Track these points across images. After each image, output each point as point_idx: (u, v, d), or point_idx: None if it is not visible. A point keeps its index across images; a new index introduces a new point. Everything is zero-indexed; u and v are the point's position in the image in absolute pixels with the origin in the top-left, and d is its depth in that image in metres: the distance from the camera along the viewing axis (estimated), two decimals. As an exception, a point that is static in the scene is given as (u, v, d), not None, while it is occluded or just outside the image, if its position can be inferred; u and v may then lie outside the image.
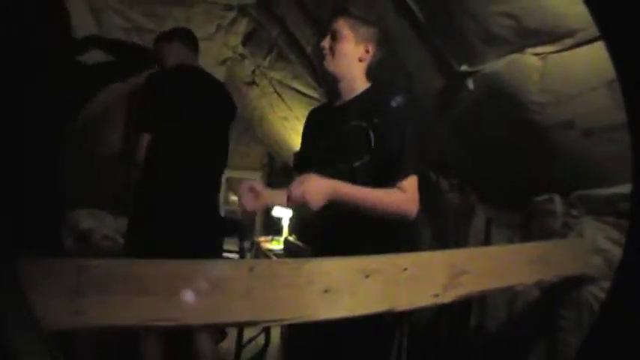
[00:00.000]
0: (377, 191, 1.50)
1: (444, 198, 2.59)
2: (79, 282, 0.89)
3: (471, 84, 1.92)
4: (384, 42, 1.72)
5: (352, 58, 1.64)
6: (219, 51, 3.70)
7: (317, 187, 1.37)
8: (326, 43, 1.64)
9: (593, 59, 1.51)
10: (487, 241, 2.37)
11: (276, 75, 3.59)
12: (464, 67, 1.91)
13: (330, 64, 1.65)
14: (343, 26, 1.62)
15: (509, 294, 2.18)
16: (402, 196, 1.52)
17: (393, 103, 1.59)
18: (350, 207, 1.45)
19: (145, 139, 2.28)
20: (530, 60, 1.66)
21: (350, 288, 1.01)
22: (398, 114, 1.58)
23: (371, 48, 1.65)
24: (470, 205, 2.50)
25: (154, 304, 0.87)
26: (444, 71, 2.02)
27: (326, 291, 0.96)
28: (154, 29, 3.16)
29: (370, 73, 1.71)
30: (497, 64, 1.73)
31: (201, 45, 2.65)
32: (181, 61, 2.44)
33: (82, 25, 2.82)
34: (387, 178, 1.53)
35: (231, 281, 0.89)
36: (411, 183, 1.54)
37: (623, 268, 0.72)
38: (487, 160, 2.16)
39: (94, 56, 2.88)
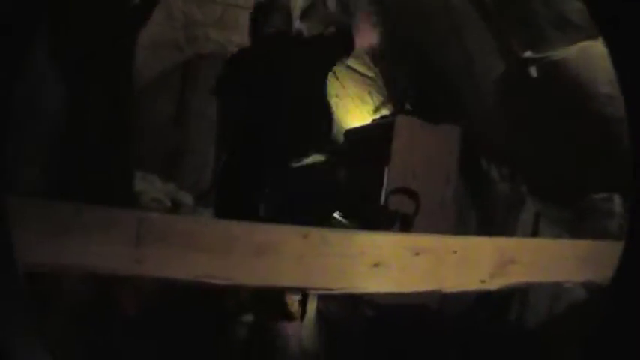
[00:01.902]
0: None
1: (494, 187, 2.54)
2: (139, 232, 0.93)
3: (534, 71, 1.85)
4: None
5: None
6: (275, 25, 3.70)
7: None
8: None
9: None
10: (534, 236, 2.32)
11: (331, 51, 3.55)
12: (528, 54, 1.84)
13: None
14: None
15: (553, 291, 2.13)
16: None
17: None
18: None
19: None
20: (602, 48, 1.58)
21: (399, 264, 1.01)
22: None
23: None
24: (520, 196, 2.43)
25: (210, 260, 0.90)
26: (507, 56, 1.96)
27: (376, 264, 0.97)
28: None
29: None
30: (566, 51, 1.66)
31: (257, 19, 2.66)
32: None
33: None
34: None
35: (285, 245, 0.90)
36: None
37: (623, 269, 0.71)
38: (546, 152, 2.09)
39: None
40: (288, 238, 0.90)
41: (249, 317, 2.53)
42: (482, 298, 2.48)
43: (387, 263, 0.98)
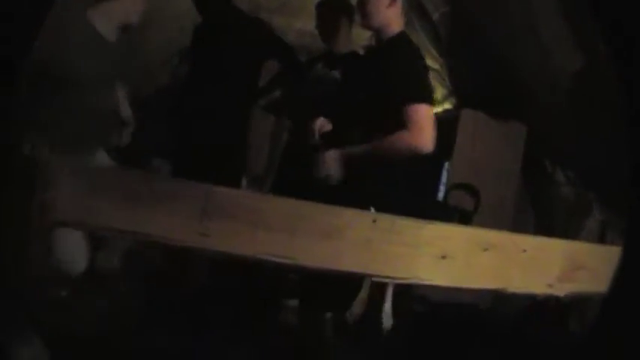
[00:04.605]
0: (384, 140, 1.50)
1: (558, 191, 2.43)
2: (206, 206, 0.92)
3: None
4: None
5: None
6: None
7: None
8: None
9: None
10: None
11: (397, 42, 3.48)
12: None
13: None
14: None
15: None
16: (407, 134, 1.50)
17: None
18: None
19: None
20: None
21: (466, 258, 0.97)
22: None
23: None
24: (586, 202, 2.32)
25: (275, 239, 0.88)
26: (587, 49, 1.85)
27: (443, 257, 0.93)
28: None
29: None
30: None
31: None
32: None
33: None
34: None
35: (352, 229, 0.88)
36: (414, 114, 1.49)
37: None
38: (617, 157, 1.96)
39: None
40: (356, 222, 0.88)
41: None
42: (537, 303, 2.38)
43: (453, 256, 0.94)
